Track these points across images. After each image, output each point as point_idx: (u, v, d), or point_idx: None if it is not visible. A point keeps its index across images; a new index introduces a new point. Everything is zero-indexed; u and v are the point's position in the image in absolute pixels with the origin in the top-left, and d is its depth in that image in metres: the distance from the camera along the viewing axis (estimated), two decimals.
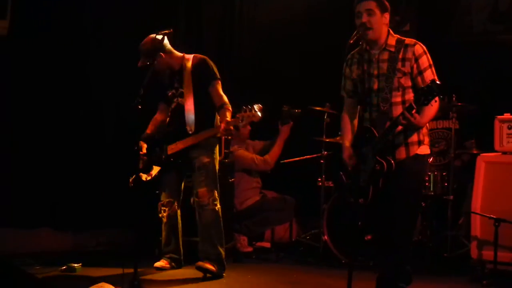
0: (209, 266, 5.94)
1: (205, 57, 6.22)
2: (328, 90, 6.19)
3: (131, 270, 5.21)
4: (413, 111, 4.55)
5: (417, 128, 4.74)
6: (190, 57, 6.21)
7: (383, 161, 4.73)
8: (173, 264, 6.29)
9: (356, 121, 5.06)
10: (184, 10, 7.85)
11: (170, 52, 6.16)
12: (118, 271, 5.61)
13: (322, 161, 7.12)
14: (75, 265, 6.11)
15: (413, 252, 5.06)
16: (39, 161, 7.15)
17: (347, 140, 5.02)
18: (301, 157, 7.38)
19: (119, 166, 7.36)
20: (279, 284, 5.94)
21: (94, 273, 6.04)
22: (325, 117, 7.09)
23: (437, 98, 4.51)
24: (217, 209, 6.03)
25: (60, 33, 7.23)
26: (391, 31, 4.88)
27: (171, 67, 6.18)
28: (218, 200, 6.06)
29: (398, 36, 4.88)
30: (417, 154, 4.81)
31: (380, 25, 4.79)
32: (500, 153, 6.13)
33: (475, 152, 6.63)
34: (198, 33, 7.91)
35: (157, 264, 6.25)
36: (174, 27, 6.03)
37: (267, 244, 7.54)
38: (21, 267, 6.07)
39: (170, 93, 6.22)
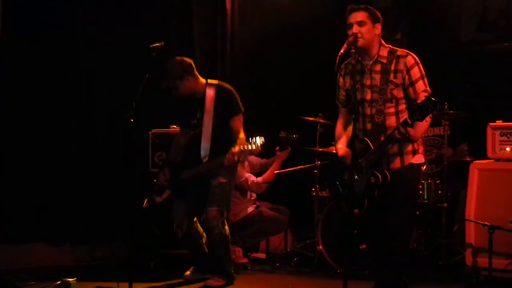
0: (216, 283, 6.01)
1: (230, 87, 6.15)
2: (320, 100, 6.21)
3: (126, 285, 5.19)
4: (408, 127, 4.57)
5: (411, 142, 4.76)
6: (214, 83, 6.14)
7: (378, 174, 4.75)
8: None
9: (350, 130, 5.07)
10: (175, 22, 7.85)
11: (196, 77, 6.10)
12: (113, 285, 5.61)
13: (315, 171, 7.12)
14: (70, 279, 6.09)
15: (409, 262, 5.06)
16: (32, 174, 7.12)
17: (340, 143, 5.03)
18: (295, 167, 7.38)
19: (113, 180, 7.38)
20: None
21: (89, 287, 6.03)
22: (318, 127, 7.10)
23: (431, 114, 4.53)
24: (224, 232, 6.03)
25: (52, 37, 7.21)
26: (383, 42, 4.89)
27: (195, 92, 6.09)
28: (227, 223, 6.07)
29: (390, 47, 4.90)
30: (411, 163, 4.84)
31: (372, 36, 4.81)
32: (493, 160, 6.16)
33: (468, 159, 6.65)
34: (189, 44, 7.91)
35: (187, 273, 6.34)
36: (165, 38, 6.03)
37: (262, 255, 7.54)
38: (15, 283, 6.10)
39: (192, 121, 6.16)
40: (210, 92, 6.07)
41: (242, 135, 5.92)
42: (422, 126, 4.71)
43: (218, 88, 6.09)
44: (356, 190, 4.80)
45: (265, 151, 6.10)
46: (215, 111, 6.02)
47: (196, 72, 6.09)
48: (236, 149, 5.69)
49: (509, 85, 7.27)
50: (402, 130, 4.57)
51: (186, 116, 6.19)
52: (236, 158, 5.82)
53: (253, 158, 7.58)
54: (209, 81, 6.16)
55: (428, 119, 4.56)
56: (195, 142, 6.09)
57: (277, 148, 7.40)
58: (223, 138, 5.96)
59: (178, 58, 6.08)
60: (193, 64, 6.07)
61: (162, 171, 6.09)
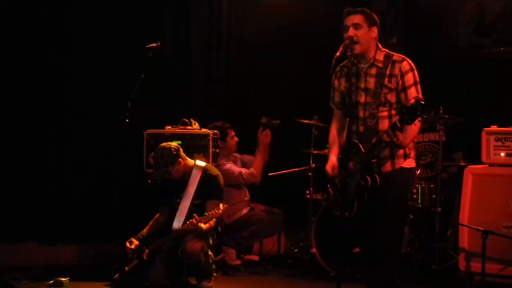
0: (209, 284, 6.03)
1: (216, 172, 6.20)
2: (315, 103, 6.21)
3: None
4: (397, 131, 4.57)
5: (400, 147, 4.75)
6: (201, 166, 6.18)
7: (368, 177, 4.75)
8: None
9: (345, 133, 5.07)
10: (172, 22, 7.84)
11: (185, 158, 6.18)
12: (106, 284, 5.61)
13: (310, 173, 7.12)
14: (63, 279, 6.09)
15: (401, 264, 5.06)
16: (24, 173, 7.11)
17: (332, 153, 5.04)
18: (289, 170, 7.38)
19: (107, 180, 7.38)
20: None
21: (82, 287, 6.03)
22: (313, 130, 7.10)
23: (420, 118, 4.53)
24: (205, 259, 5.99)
25: (47, 34, 7.20)
26: (379, 45, 4.88)
27: (184, 174, 6.15)
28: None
29: (387, 51, 4.89)
30: (402, 167, 4.83)
31: (368, 39, 4.79)
32: (487, 165, 6.17)
33: (462, 164, 6.66)
34: (185, 44, 7.90)
35: None
36: (161, 37, 6.01)
37: (255, 257, 7.52)
38: (8, 282, 6.09)
39: (176, 200, 6.18)
40: (196, 175, 6.15)
41: (213, 213, 5.91)
42: (412, 132, 4.70)
43: (204, 172, 6.16)
44: (346, 193, 4.79)
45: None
46: (196, 194, 6.09)
47: (183, 154, 6.15)
48: (202, 224, 5.79)
49: (504, 89, 7.29)
50: (391, 133, 4.56)
51: (171, 194, 6.25)
52: (197, 228, 5.79)
53: (244, 156, 7.54)
54: (197, 162, 6.21)
55: (417, 122, 4.54)
56: (170, 217, 6.15)
57: (259, 132, 7.35)
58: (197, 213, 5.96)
59: (165, 144, 6.14)
60: (179, 147, 6.14)
61: (130, 241, 6.06)
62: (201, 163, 6.24)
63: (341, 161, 4.94)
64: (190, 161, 6.23)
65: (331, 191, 5.08)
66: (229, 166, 7.18)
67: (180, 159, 6.08)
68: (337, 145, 5.05)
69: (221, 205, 5.81)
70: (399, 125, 4.54)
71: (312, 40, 7.96)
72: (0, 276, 6.38)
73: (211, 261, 6.01)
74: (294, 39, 8.10)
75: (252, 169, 7.23)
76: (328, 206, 6.66)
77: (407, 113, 4.45)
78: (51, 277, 6.13)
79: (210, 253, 6.00)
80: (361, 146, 4.79)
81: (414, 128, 4.66)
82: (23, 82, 7.12)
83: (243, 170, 7.24)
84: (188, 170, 6.18)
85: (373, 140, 4.72)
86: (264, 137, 7.28)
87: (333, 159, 4.99)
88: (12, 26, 7.05)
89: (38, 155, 7.18)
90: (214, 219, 5.93)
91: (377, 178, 4.74)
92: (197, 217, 5.77)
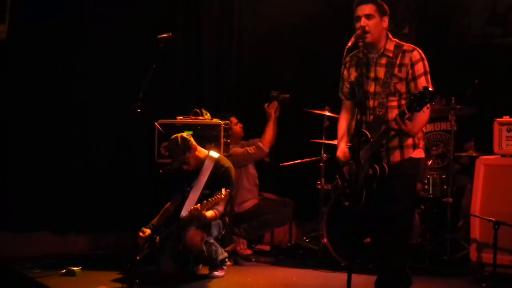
0: (221, 273, 6.14)
1: (228, 164, 6.25)
2: (327, 93, 6.20)
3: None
4: (406, 117, 4.56)
5: (408, 136, 4.75)
6: (214, 158, 6.24)
7: (376, 166, 4.75)
8: None
9: (353, 123, 5.07)
10: (182, 15, 7.84)
11: (197, 147, 6.25)
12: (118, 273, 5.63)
13: (321, 164, 7.12)
14: (75, 268, 6.12)
15: (412, 255, 5.06)
16: (37, 164, 7.15)
17: (342, 141, 5.04)
18: (301, 160, 7.37)
19: (119, 170, 7.40)
20: (278, 287, 5.95)
21: (94, 276, 6.06)
22: (325, 120, 7.09)
23: (429, 105, 4.53)
24: (208, 247, 6.02)
25: (58, 37, 7.23)
26: (390, 35, 4.88)
27: (199, 162, 6.22)
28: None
29: (397, 41, 4.89)
30: (411, 157, 4.84)
31: (379, 29, 4.80)
32: (499, 156, 6.14)
33: (474, 154, 6.64)
34: (196, 37, 7.90)
35: None
36: (172, 31, 6.01)
37: (266, 247, 7.54)
38: (21, 271, 6.14)
39: (186, 189, 6.23)
40: (208, 165, 6.20)
41: (221, 208, 6.01)
42: (420, 121, 4.72)
43: (216, 163, 6.22)
44: (355, 183, 4.79)
45: None
46: (207, 184, 6.13)
47: (195, 143, 6.22)
48: (206, 211, 5.85)
49: None
50: (399, 120, 4.57)
51: (182, 183, 6.29)
52: (200, 214, 5.83)
53: (255, 141, 7.45)
54: (211, 153, 6.28)
55: (426, 110, 4.55)
56: (180, 205, 6.19)
57: (266, 105, 7.36)
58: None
59: (177, 134, 6.21)
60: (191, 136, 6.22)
61: (142, 231, 6.11)
62: (214, 154, 6.28)
63: (350, 150, 4.95)
64: (203, 151, 6.28)
65: (339, 182, 5.08)
66: (234, 149, 7.14)
67: (194, 146, 6.15)
68: (347, 135, 5.07)
69: (223, 190, 5.81)
70: (407, 112, 4.54)
71: (323, 30, 7.93)
72: (13, 265, 6.43)
73: (217, 250, 6.06)
74: (305, 30, 8.08)
75: (259, 143, 7.21)
76: (338, 197, 6.65)
77: (415, 100, 4.47)
78: (64, 267, 6.17)
79: (212, 241, 6.04)
80: (369, 135, 4.79)
81: (422, 117, 4.68)
82: (36, 75, 7.17)
83: (247, 148, 7.22)
84: (201, 160, 6.22)
85: (382, 129, 4.72)
86: (271, 108, 7.25)
87: (343, 146, 5.01)
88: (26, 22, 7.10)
89: (50, 147, 7.21)
90: (220, 208, 5.96)
91: (386, 167, 4.75)
92: (201, 204, 5.81)
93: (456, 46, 7.90)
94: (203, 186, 6.13)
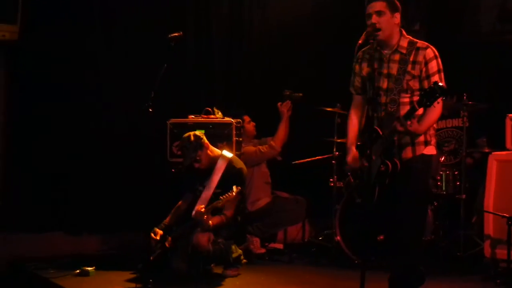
0: (234, 273, 6.12)
1: (241, 165, 6.23)
2: (339, 91, 6.20)
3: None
4: (416, 113, 4.55)
5: (414, 135, 4.74)
6: (227, 157, 6.21)
7: (388, 162, 4.75)
8: None
9: (363, 120, 5.07)
10: (193, 14, 7.85)
11: (209, 146, 6.24)
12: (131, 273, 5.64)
13: (333, 161, 7.11)
14: (89, 268, 6.13)
15: (426, 252, 5.05)
16: (51, 164, 7.16)
17: (351, 142, 5.04)
18: (313, 158, 7.37)
19: (131, 169, 7.41)
20: (292, 285, 5.95)
21: (108, 276, 6.07)
22: (336, 118, 7.09)
23: (440, 100, 4.52)
24: (215, 246, 6.01)
25: (70, 36, 7.25)
26: (403, 32, 4.88)
27: (211, 161, 6.20)
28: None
29: (411, 38, 4.88)
30: (423, 154, 4.83)
31: (391, 25, 4.79)
32: (511, 152, 6.12)
33: (486, 150, 6.62)
34: (207, 34, 7.91)
35: None
36: (183, 30, 6.03)
37: (279, 245, 7.54)
38: (35, 271, 6.16)
39: (199, 188, 6.23)
40: (221, 165, 6.18)
41: (231, 211, 6.02)
42: (429, 119, 4.71)
43: (229, 164, 6.19)
44: (367, 180, 4.79)
45: None
46: (219, 184, 6.11)
47: (208, 142, 6.21)
48: (211, 218, 5.87)
49: None
50: (403, 121, 4.57)
51: (195, 182, 6.29)
52: (203, 220, 5.83)
53: (268, 139, 7.45)
54: (224, 153, 6.26)
55: (436, 105, 4.54)
56: (192, 204, 6.16)
57: (279, 104, 7.35)
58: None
59: (190, 132, 6.21)
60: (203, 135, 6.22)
61: (154, 232, 6.10)
62: (228, 154, 6.27)
63: (361, 148, 4.94)
64: (216, 151, 6.28)
65: (351, 179, 5.08)
66: (245, 148, 7.14)
67: (206, 144, 6.15)
68: (356, 133, 5.06)
69: (234, 187, 5.79)
70: (417, 107, 4.54)
71: (334, 27, 7.93)
72: (27, 265, 6.46)
73: (228, 249, 6.07)
74: (317, 27, 8.08)
75: (271, 142, 7.21)
76: (351, 194, 6.64)
77: (425, 96, 4.47)
78: (77, 267, 6.17)
79: (221, 241, 6.03)
80: (380, 132, 4.79)
81: (432, 115, 4.68)
82: (50, 81, 7.19)
83: (259, 147, 7.23)
84: (213, 159, 6.21)
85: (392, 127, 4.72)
86: (285, 107, 7.25)
87: (353, 149, 5.00)
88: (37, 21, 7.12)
89: (63, 147, 7.22)
90: (228, 213, 5.98)
91: (398, 163, 4.74)
92: (206, 208, 5.83)
93: (467, 42, 7.88)
94: (215, 185, 6.13)
